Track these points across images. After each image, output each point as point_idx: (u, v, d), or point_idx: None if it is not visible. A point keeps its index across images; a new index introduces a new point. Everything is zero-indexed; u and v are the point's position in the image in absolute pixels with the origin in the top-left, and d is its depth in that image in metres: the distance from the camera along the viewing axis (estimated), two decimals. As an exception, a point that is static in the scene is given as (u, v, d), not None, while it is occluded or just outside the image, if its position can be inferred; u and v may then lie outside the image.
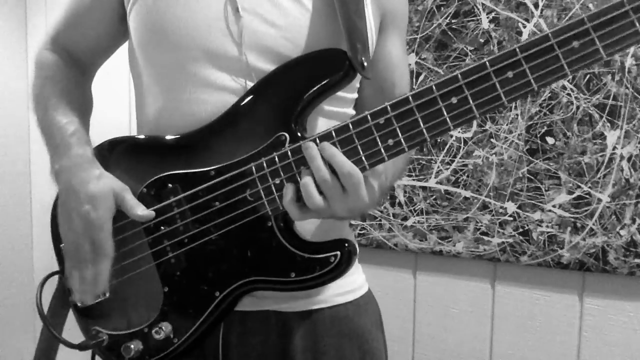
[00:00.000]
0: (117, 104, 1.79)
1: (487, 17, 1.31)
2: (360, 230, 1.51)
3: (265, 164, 0.67)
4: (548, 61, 0.59)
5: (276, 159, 0.67)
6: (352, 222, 1.52)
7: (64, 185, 0.73)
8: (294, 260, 0.68)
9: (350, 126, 0.64)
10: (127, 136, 0.78)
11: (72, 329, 0.80)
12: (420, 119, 0.63)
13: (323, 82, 0.69)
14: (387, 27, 0.82)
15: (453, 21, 1.36)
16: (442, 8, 1.37)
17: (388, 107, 0.63)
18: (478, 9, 1.32)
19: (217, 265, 0.70)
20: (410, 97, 0.63)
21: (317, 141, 0.65)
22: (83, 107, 0.83)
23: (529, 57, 0.59)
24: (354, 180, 0.63)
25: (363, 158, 0.64)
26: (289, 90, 0.69)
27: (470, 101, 0.61)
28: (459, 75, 0.61)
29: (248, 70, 0.72)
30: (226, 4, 0.72)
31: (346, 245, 0.67)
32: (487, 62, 0.60)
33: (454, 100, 0.61)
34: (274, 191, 0.67)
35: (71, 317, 0.80)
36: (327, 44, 0.71)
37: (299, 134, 0.68)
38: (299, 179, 0.65)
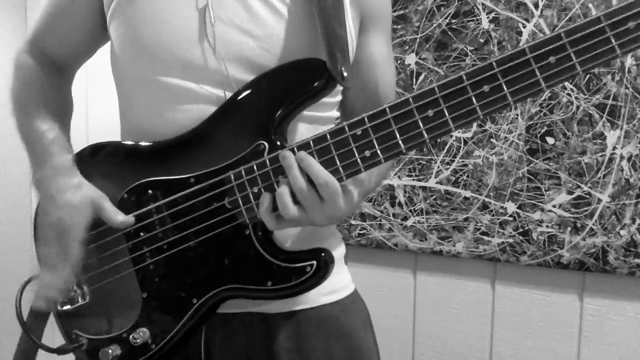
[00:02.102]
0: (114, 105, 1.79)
1: (487, 17, 1.31)
2: (360, 230, 1.51)
3: (243, 173, 0.67)
4: (524, 76, 0.58)
5: (254, 167, 0.67)
6: (352, 222, 1.52)
7: (43, 194, 0.74)
8: (271, 268, 0.68)
9: (328, 136, 0.64)
10: (110, 141, 0.78)
11: (56, 332, 0.80)
12: (396, 131, 0.63)
13: (302, 93, 0.69)
14: (367, 27, 0.81)
15: (453, 21, 1.36)
16: (442, 8, 1.37)
17: (365, 118, 0.63)
18: (478, 9, 1.32)
19: (195, 272, 0.71)
20: (387, 109, 0.63)
21: (295, 150, 0.65)
22: (62, 111, 0.84)
23: (505, 72, 0.59)
24: (331, 190, 0.63)
25: (340, 169, 0.64)
26: (267, 100, 0.69)
27: (447, 114, 0.61)
28: (436, 88, 0.61)
29: (227, 81, 0.72)
30: (202, 16, 0.72)
31: (322, 254, 0.67)
32: (463, 76, 0.60)
33: (430, 113, 0.61)
34: (252, 200, 0.67)
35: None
36: (306, 53, 0.71)
37: (278, 143, 0.68)
38: (276, 188, 0.65)
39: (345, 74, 0.69)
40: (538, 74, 0.58)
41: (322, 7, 0.72)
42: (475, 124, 1.34)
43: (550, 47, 0.57)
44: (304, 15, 0.73)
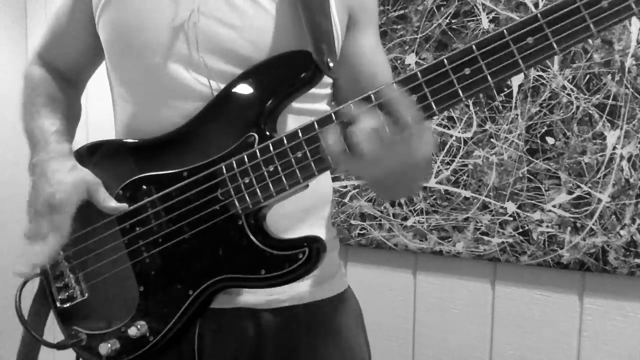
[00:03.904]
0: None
1: (487, 17, 1.31)
2: (360, 230, 1.51)
3: (235, 164, 0.69)
4: (503, 57, 0.59)
5: (245, 158, 0.68)
6: (352, 222, 1.52)
7: (37, 175, 0.76)
8: (264, 257, 0.69)
9: (316, 125, 0.65)
10: (105, 140, 0.80)
11: (55, 328, 0.81)
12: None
13: (290, 84, 0.70)
14: (356, 21, 0.82)
15: (453, 21, 1.36)
16: (442, 8, 1.37)
17: (352, 105, 0.63)
18: (478, 9, 1.32)
19: (190, 264, 0.72)
20: (372, 96, 0.63)
21: (285, 140, 0.66)
22: (68, 112, 0.86)
23: (485, 54, 0.60)
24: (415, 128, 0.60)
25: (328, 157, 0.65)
26: (257, 92, 0.71)
27: (429, 97, 0.61)
28: (419, 73, 0.62)
29: (210, 73, 0.73)
30: (185, 10, 0.73)
31: (314, 241, 0.68)
32: (444, 60, 0.61)
33: (413, 97, 0.62)
34: (243, 189, 0.68)
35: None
36: (290, 44, 0.72)
37: (267, 134, 0.69)
38: (267, 177, 0.66)
39: (331, 64, 0.71)
40: (517, 54, 0.59)
41: (306, 0, 0.73)
42: (475, 124, 1.34)
43: (528, 28, 0.59)
44: (289, 8, 0.74)
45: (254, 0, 0.74)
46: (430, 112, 0.61)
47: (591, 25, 0.57)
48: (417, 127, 0.61)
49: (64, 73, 0.89)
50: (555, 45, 0.58)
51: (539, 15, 0.58)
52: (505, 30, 0.59)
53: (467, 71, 0.60)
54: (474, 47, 0.60)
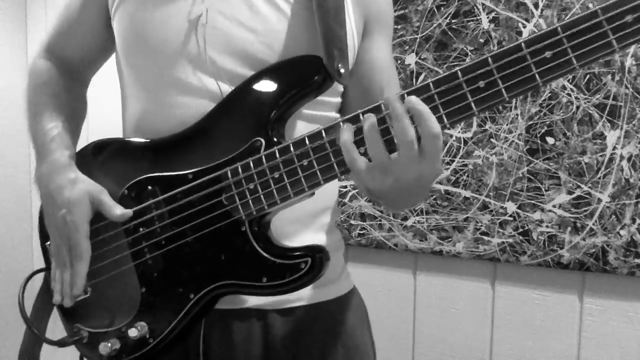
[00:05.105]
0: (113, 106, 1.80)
1: (487, 17, 1.31)
2: (360, 230, 1.51)
3: (240, 169, 0.68)
4: (520, 71, 0.57)
5: (251, 164, 0.67)
6: (352, 222, 1.52)
7: (43, 190, 0.76)
8: (266, 265, 0.68)
9: (323, 133, 0.64)
10: (112, 138, 0.79)
11: (59, 326, 0.82)
12: (391, 127, 0.61)
13: (298, 89, 0.70)
14: (372, 30, 0.82)
15: (453, 21, 1.36)
16: (442, 8, 1.37)
17: (360, 114, 0.63)
18: (478, 9, 1.32)
19: (192, 267, 0.71)
20: (382, 105, 0.62)
21: (291, 148, 0.65)
22: (73, 112, 0.85)
23: (500, 67, 0.58)
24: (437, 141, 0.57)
25: (334, 165, 0.64)
26: (264, 97, 0.70)
27: (441, 110, 0.60)
28: (431, 84, 0.60)
29: (227, 75, 0.73)
30: (204, 10, 0.73)
31: (318, 252, 0.68)
32: (459, 72, 0.59)
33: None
34: (248, 196, 0.68)
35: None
36: (305, 50, 0.72)
37: (274, 140, 0.69)
38: (272, 184, 0.66)
39: (342, 70, 0.70)
40: (534, 69, 0.57)
41: (323, 6, 0.72)
42: (475, 124, 1.34)
43: (547, 42, 0.56)
44: (306, 14, 0.74)
45: (275, 5, 0.74)
46: (441, 125, 0.60)
47: (614, 42, 0.54)
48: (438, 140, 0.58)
49: (72, 67, 0.88)
50: (574, 60, 0.56)
51: (559, 28, 0.56)
52: (523, 43, 0.57)
53: (481, 84, 0.58)
54: (489, 59, 0.58)
